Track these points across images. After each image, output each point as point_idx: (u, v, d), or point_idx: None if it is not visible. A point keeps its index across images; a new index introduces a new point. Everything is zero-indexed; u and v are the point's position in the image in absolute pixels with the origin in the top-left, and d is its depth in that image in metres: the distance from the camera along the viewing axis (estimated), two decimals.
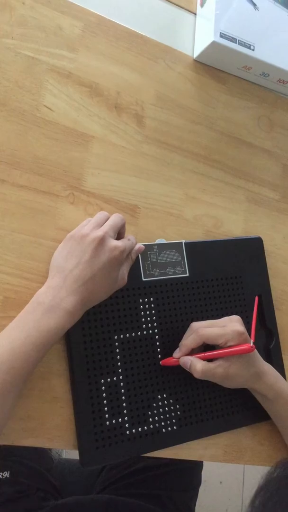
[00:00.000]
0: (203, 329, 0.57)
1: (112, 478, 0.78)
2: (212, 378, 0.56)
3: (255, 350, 0.58)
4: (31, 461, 0.74)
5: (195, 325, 0.59)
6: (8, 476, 0.70)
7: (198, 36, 0.72)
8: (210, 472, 1.56)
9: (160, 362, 0.59)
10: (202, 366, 0.55)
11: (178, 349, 0.59)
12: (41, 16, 0.61)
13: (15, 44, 0.59)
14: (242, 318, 0.66)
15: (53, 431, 0.54)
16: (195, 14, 0.74)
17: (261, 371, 0.59)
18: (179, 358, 0.58)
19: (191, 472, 0.84)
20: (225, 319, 0.59)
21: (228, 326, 0.57)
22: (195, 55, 0.71)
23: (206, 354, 0.57)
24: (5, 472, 0.71)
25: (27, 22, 0.60)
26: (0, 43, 0.58)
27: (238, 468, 1.62)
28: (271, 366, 0.61)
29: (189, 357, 0.57)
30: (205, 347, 0.59)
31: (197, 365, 0.55)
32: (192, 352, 0.58)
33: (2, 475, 0.70)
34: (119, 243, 0.52)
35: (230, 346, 0.56)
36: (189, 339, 0.57)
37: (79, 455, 0.54)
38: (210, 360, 0.57)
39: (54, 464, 0.80)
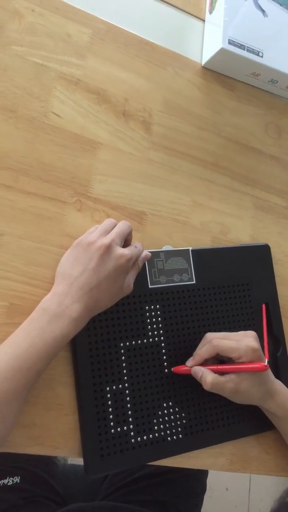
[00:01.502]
0: (218, 340, 0.57)
1: (117, 485, 0.78)
2: (221, 391, 0.56)
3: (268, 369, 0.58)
4: (35, 467, 0.74)
5: (210, 335, 0.58)
6: (18, 482, 0.70)
7: (207, 42, 0.72)
8: (216, 479, 1.55)
9: (172, 369, 0.59)
10: (212, 379, 0.55)
11: (191, 358, 0.58)
12: (49, 24, 0.61)
13: (24, 51, 0.59)
14: (249, 325, 0.66)
15: (58, 439, 0.54)
16: (204, 20, 0.74)
17: (273, 390, 0.58)
18: (191, 367, 0.58)
19: (196, 479, 0.83)
20: (241, 333, 0.58)
21: (243, 341, 0.56)
22: (204, 61, 0.71)
23: (219, 367, 0.56)
24: (16, 477, 0.70)
25: (36, 29, 0.60)
26: (9, 50, 0.58)
27: (244, 475, 1.59)
28: (282, 384, 0.60)
29: (201, 368, 0.56)
30: (219, 361, 0.59)
31: (208, 377, 0.55)
32: (205, 363, 0.58)
33: (12, 481, 0.70)
34: (125, 251, 0.52)
35: (243, 362, 0.55)
36: (203, 349, 0.57)
37: (83, 464, 0.54)
38: (222, 373, 0.56)
39: (59, 469, 0.80)
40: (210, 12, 0.72)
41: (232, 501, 1.57)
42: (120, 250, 0.52)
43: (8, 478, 0.69)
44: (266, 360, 0.57)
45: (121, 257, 0.51)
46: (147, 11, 0.70)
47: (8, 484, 0.69)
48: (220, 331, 0.61)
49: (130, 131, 0.64)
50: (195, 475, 0.82)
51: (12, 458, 0.72)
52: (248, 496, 1.60)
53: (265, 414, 0.62)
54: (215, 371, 0.56)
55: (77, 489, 0.80)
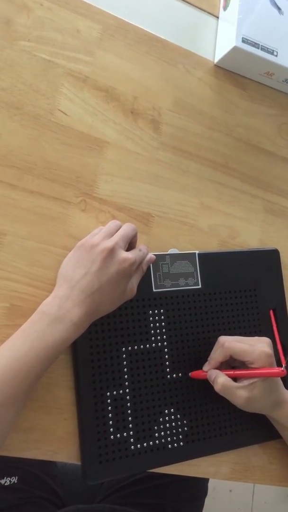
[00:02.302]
0: (230, 342, 0.56)
1: (116, 486, 0.77)
2: (231, 397, 0.55)
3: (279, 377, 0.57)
4: (34, 468, 0.73)
5: (223, 338, 0.57)
6: (15, 482, 0.69)
7: (220, 40, 0.70)
8: (220, 480, 1.54)
9: (190, 374, 0.59)
10: (224, 380, 0.54)
11: (207, 362, 0.58)
12: (58, 18, 0.60)
13: (31, 47, 0.58)
14: (256, 332, 0.64)
15: (56, 443, 0.53)
16: (218, 17, 0.72)
17: (282, 399, 0.57)
18: (207, 371, 0.57)
19: (197, 483, 0.82)
20: (254, 338, 0.57)
21: (256, 346, 0.55)
22: (216, 60, 0.70)
23: (236, 372, 0.56)
24: (13, 477, 0.70)
25: (44, 24, 0.59)
26: (16, 45, 0.57)
27: None
28: None
29: (216, 370, 0.56)
30: (232, 368, 0.58)
31: (220, 378, 0.55)
32: (221, 367, 0.57)
33: (10, 481, 0.69)
34: (129, 254, 0.51)
35: (255, 368, 0.54)
36: (217, 353, 0.57)
37: (81, 469, 0.53)
38: (236, 380, 0.56)
39: (58, 469, 0.79)
40: (224, 9, 0.70)
41: (235, 503, 1.56)
42: (123, 254, 0.50)
43: (5, 478, 0.68)
44: (283, 365, 0.56)
45: (124, 261, 0.50)
46: (159, 7, 0.68)
47: (5, 484, 0.68)
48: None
49: (139, 130, 0.63)
50: (196, 478, 0.81)
51: (10, 458, 0.71)
52: (251, 498, 1.59)
53: (270, 423, 0.61)
54: (230, 376, 0.55)
55: (77, 490, 0.79)
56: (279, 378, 0.57)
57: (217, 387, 0.55)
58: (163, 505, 0.76)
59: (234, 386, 0.54)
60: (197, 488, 0.82)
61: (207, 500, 0.85)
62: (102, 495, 0.78)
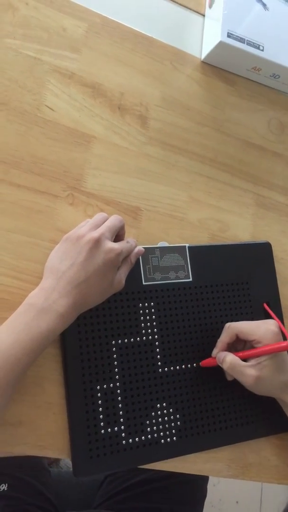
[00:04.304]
0: (236, 323, 0.57)
1: (112, 491, 0.75)
2: (240, 375, 0.55)
3: None
4: (25, 475, 0.71)
5: (229, 323, 0.58)
6: (5, 489, 0.68)
7: (206, 37, 0.71)
8: (226, 491, 1.51)
9: (200, 363, 0.59)
10: (232, 359, 0.55)
11: (215, 347, 0.58)
12: (44, 17, 0.60)
13: (17, 44, 0.58)
14: None
15: (46, 438, 0.52)
16: (204, 15, 0.73)
17: None
18: (216, 355, 0.57)
19: (195, 485, 0.80)
20: (260, 321, 0.58)
21: (262, 325, 0.56)
22: (203, 56, 0.70)
23: (245, 352, 0.55)
24: (3, 485, 0.68)
25: (29, 22, 0.59)
26: (2, 43, 0.58)
27: (256, 487, 1.55)
28: None
29: (225, 352, 0.57)
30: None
31: (228, 357, 0.55)
32: (229, 351, 0.57)
33: None
34: (115, 245, 0.50)
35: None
36: (223, 335, 0.57)
37: (72, 465, 0.52)
38: (245, 361, 0.55)
39: (52, 477, 0.78)
40: (210, 6, 0.71)
41: None
42: (109, 244, 0.50)
43: (1, 485, 0.67)
44: None
45: (110, 251, 0.50)
46: (145, 5, 0.69)
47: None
48: (217, 331, 0.59)
49: (126, 125, 0.63)
50: (194, 481, 0.79)
51: (3, 464, 0.70)
52: (259, 509, 1.56)
53: (266, 418, 0.60)
54: (239, 357, 0.55)
55: (73, 498, 0.77)
56: None
57: (225, 365, 0.55)
58: (160, 508, 0.74)
59: (243, 365, 0.54)
60: (195, 491, 0.80)
61: None
62: (98, 501, 0.76)
